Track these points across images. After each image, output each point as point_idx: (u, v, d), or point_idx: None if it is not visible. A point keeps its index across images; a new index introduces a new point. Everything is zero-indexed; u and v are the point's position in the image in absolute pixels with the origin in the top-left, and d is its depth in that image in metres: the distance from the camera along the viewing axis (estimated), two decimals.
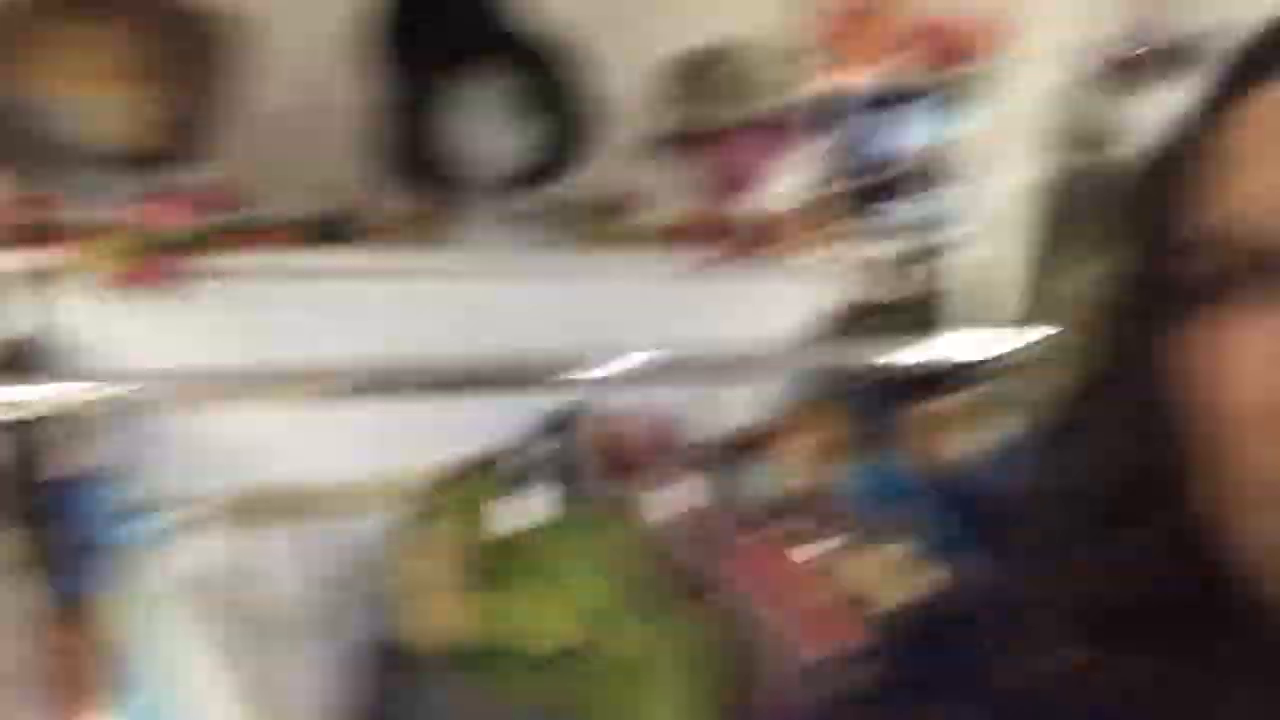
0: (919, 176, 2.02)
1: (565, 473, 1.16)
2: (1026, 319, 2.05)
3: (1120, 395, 0.43)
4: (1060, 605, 0.44)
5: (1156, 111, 2.31)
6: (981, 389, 1.37)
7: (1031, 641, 0.44)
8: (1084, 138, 2.15)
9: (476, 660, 1.01)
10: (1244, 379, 0.35)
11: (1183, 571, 0.41)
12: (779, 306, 1.58)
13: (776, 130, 1.54)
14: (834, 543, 1.18)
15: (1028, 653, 0.43)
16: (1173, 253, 0.38)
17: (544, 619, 1.03)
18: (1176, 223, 0.39)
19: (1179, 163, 0.40)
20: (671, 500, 1.19)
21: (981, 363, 1.36)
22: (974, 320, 1.91)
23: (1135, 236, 0.42)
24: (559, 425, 1.18)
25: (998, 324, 1.86)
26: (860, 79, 1.85)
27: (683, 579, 1.10)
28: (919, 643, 0.49)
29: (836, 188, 1.85)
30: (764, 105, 1.52)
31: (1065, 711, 0.42)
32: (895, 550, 1.18)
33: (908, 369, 1.29)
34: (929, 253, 1.76)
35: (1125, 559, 0.43)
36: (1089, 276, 2.18)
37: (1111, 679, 0.42)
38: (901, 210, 1.98)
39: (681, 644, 1.02)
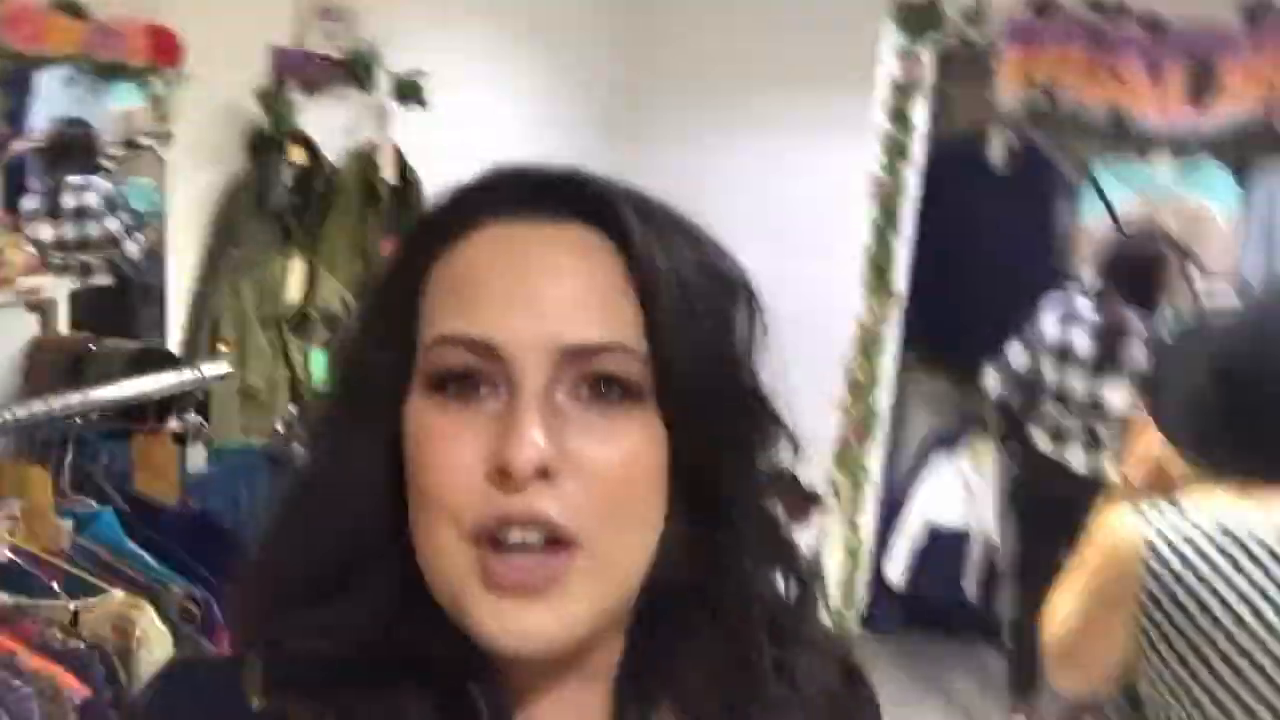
0: (86, 162, 2.00)
1: None
2: (202, 317, 2.12)
3: (350, 459, 0.51)
4: (293, 661, 0.49)
5: (332, 117, 2.57)
6: (187, 419, 1.39)
7: (267, 696, 0.49)
8: (266, 139, 2.29)
9: None
10: (450, 446, 0.47)
11: (409, 615, 0.49)
12: None
13: None
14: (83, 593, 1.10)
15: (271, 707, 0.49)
16: (408, 347, 0.49)
17: None
18: (413, 322, 0.50)
19: (414, 273, 0.50)
20: None
21: (184, 394, 1.37)
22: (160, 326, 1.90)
23: (379, 326, 0.51)
24: None
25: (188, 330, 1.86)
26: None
27: None
28: (179, 698, 0.52)
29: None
30: None
31: None
32: (157, 591, 1.14)
33: (113, 404, 1.26)
34: (111, 245, 1.71)
35: (354, 613, 0.49)
36: (269, 276, 2.37)
37: None
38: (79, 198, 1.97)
39: None
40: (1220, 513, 1.15)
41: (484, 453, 0.46)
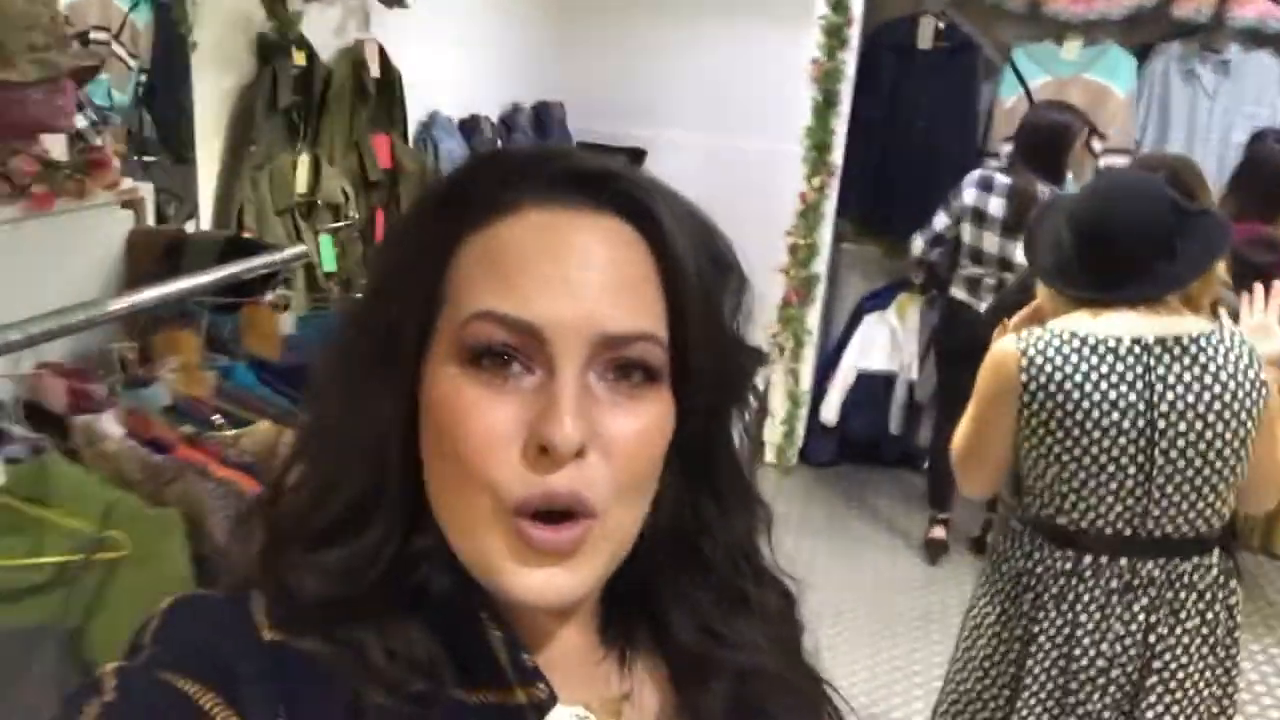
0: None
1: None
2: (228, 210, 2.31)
3: (365, 412, 0.53)
4: (300, 598, 0.51)
5: (324, 20, 2.78)
6: (279, 293, 1.69)
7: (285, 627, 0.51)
8: (272, 45, 2.50)
9: None
10: (488, 420, 0.49)
11: (412, 558, 0.53)
12: (83, 247, 1.73)
13: (52, 80, 1.55)
14: (235, 426, 1.48)
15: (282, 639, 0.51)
16: (430, 309, 0.52)
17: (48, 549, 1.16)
18: (439, 287, 0.52)
19: (445, 241, 0.52)
20: (104, 427, 1.37)
21: (271, 275, 1.67)
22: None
23: (402, 285, 0.53)
24: None
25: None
26: None
27: (153, 479, 1.29)
28: (190, 627, 0.51)
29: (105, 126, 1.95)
30: (38, 57, 1.52)
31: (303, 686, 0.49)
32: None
33: (230, 281, 1.59)
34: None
35: (359, 556, 0.52)
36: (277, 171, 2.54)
37: (341, 659, 0.50)
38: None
39: (168, 529, 1.22)
40: (1071, 325, 1.59)
41: (522, 429, 0.49)
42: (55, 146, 1.74)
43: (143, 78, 2.35)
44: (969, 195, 3.33)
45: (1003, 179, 3.30)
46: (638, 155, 3.91)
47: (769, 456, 4.22)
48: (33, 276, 1.60)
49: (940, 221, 3.43)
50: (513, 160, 0.54)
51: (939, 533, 3.67)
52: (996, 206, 3.28)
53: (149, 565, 1.22)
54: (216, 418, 1.46)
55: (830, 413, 4.17)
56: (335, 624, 0.50)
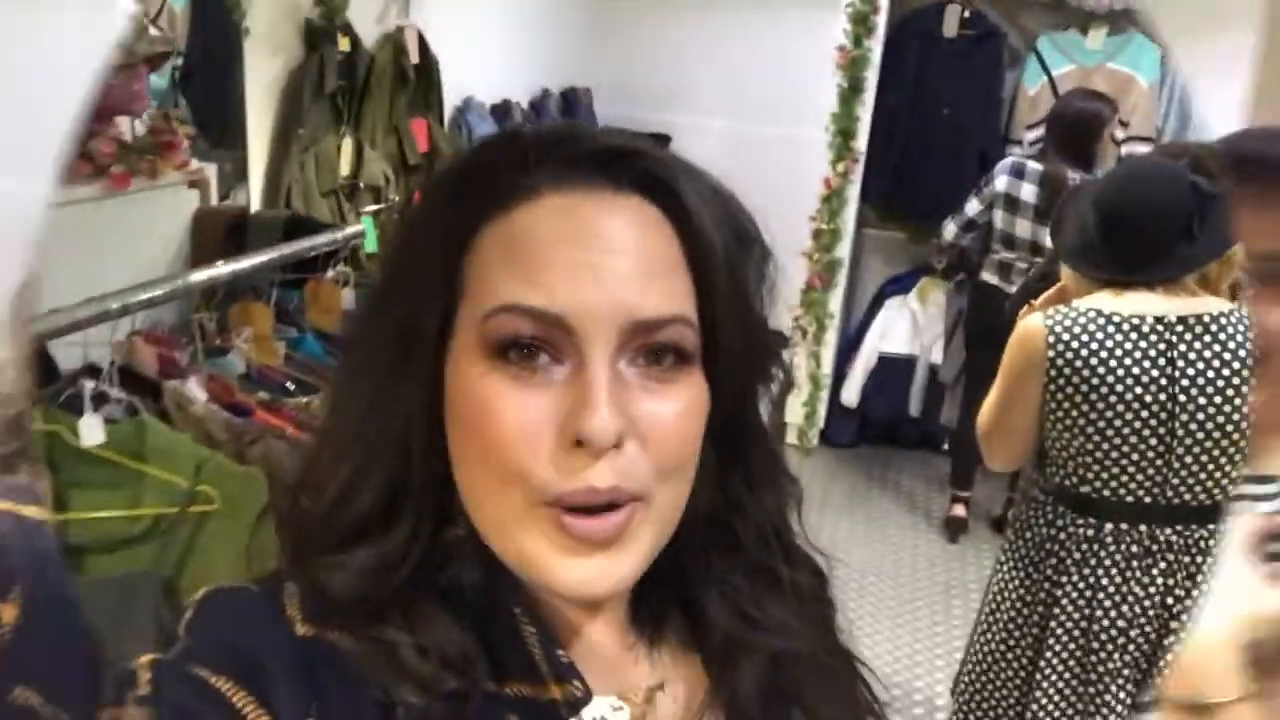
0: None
1: (100, 396, 1.36)
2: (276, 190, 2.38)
3: (389, 405, 0.51)
4: (332, 596, 0.50)
5: (365, 6, 2.82)
6: (340, 269, 1.78)
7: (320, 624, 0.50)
8: (319, 31, 2.59)
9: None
10: (520, 415, 0.48)
11: (441, 551, 0.52)
12: (154, 224, 1.83)
13: (130, 65, 1.65)
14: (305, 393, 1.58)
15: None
16: (451, 299, 0.50)
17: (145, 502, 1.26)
18: (457, 275, 0.50)
19: (463, 229, 0.50)
20: (191, 391, 1.47)
21: (334, 252, 1.76)
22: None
23: (421, 275, 0.51)
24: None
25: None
26: None
27: (238, 440, 1.39)
28: (222, 620, 0.51)
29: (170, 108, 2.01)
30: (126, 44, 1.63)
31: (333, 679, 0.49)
32: None
33: (287, 259, 1.68)
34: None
35: (390, 553, 0.51)
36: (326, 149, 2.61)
37: (373, 655, 0.49)
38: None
39: (252, 486, 1.32)
40: (1097, 304, 1.67)
41: (555, 422, 0.48)
42: (124, 129, 1.84)
43: (179, 62, 2.36)
44: (1001, 182, 3.40)
45: (1034, 166, 3.36)
46: (663, 140, 3.96)
47: (790, 438, 4.31)
48: (109, 252, 1.71)
49: (972, 207, 3.50)
50: (530, 142, 0.52)
51: (960, 511, 3.75)
52: (1029, 193, 3.34)
53: (235, 519, 1.32)
54: (290, 384, 1.56)
55: (851, 395, 4.25)
56: (367, 621, 0.50)
